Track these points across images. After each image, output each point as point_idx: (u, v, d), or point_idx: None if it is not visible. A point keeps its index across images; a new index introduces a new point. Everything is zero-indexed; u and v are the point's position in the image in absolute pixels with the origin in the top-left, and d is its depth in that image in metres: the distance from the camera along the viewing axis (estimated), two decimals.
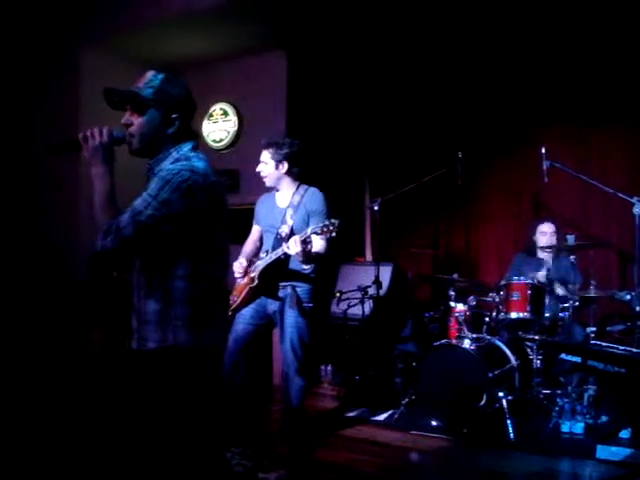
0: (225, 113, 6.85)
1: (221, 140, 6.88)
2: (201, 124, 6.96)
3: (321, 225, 3.48)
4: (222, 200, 2.38)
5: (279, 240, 3.82)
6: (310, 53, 6.32)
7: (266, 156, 3.91)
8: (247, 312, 3.88)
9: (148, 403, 2.25)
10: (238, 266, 3.90)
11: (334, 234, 3.49)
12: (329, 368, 5.98)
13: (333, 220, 3.48)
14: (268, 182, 3.98)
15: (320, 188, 3.98)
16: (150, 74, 2.29)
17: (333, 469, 3.84)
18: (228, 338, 3.88)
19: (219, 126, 6.89)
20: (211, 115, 6.93)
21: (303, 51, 6.32)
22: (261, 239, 4.08)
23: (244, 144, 6.66)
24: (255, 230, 4.14)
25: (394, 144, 6.48)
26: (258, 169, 3.95)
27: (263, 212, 4.06)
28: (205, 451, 2.32)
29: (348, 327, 5.71)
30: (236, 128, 6.79)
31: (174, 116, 2.27)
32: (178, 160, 2.25)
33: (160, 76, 2.28)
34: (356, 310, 5.55)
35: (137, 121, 2.25)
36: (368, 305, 5.44)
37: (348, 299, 5.58)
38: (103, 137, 2.21)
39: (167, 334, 2.20)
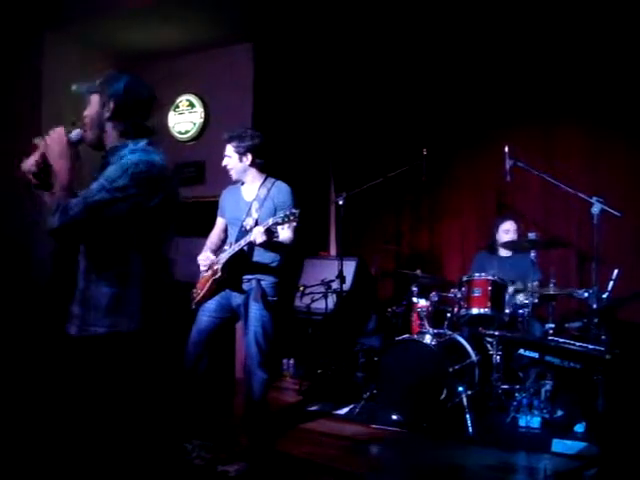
0: (191, 104, 6.79)
1: (187, 132, 6.82)
2: (167, 115, 6.90)
3: (282, 215, 3.51)
4: (175, 196, 2.45)
5: (243, 233, 3.82)
6: (277, 46, 6.31)
7: (229, 150, 3.91)
8: (211, 305, 3.87)
9: (95, 389, 2.25)
10: (204, 258, 3.88)
11: (295, 224, 3.54)
12: (291, 362, 5.98)
13: (294, 210, 3.51)
14: (234, 175, 3.97)
15: (285, 181, 3.99)
16: (108, 71, 2.44)
17: (293, 462, 3.84)
18: (191, 329, 3.87)
19: (185, 117, 6.83)
20: (177, 106, 6.87)
21: (270, 43, 6.30)
22: (226, 231, 4.06)
23: (210, 136, 6.61)
24: (220, 222, 4.12)
25: (360, 139, 6.49)
26: (223, 163, 3.95)
27: (228, 204, 4.05)
28: (155, 438, 2.33)
29: (311, 321, 5.72)
30: (202, 120, 6.74)
31: (122, 108, 2.35)
32: (135, 151, 2.30)
33: (114, 73, 2.42)
34: (319, 304, 5.56)
35: (89, 112, 2.37)
36: (331, 299, 5.46)
37: (312, 293, 5.59)
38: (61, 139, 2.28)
39: (119, 318, 2.23)
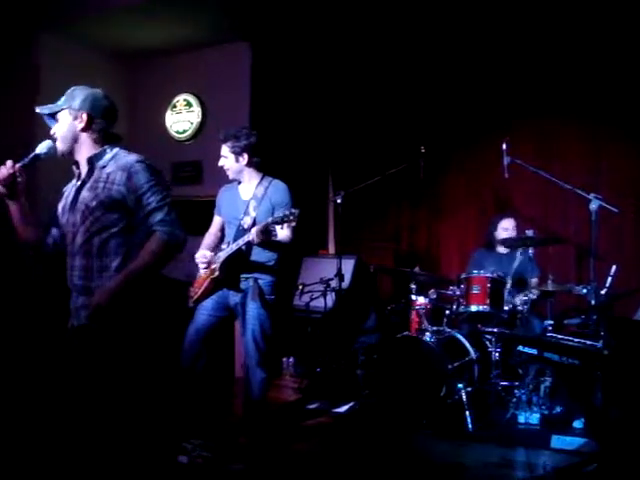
0: (189, 104, 6.79)
1: (184, 131, 6.82)
2: (164, 115, 6.90)
3: (281, 215, 3.51)
4: None
5: (241, 231, 3.82)
6: (274, 45, 6.30)
7: (225, 150, 3.91)
8: (208, 303, 3.87)
9: (106, 371, 2.45)
10: (202, 257, 3.88)
11: (294, 224, 3.54)
12: (291, 360, 5.99)
13: (293, 210, 3.51)
14: (231, 175, 3.97)
15: (283, 180, 3.99)
16: (73, 87, 2.65)
17: (294, 460, 3.85)
18: (188, 328, 3.87)
19: (182, 117, 6.83)
20: (174, 106, 6.87)
21: (267, 43, 6.30)
22: (222, 230, 4.06)
23: (207, 135, 6.61)
24: (216, 221, 4.12)
25: (358, 137, 6.49)
26: (220, 163, 3.95)
27: (225, 203, 4.05)
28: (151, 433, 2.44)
29: (310, 319, 5.72)
30: (200, 119, 6.74)
31: (97, 120, 2.60)
32: (119, 156, 2.60)
33: (82, 88, 2.65)
34: (318, 303, 5.56)
35: (61, 125, 2.60)
36: (330, 298, 5.46)
37: (310, 292, 5.59)
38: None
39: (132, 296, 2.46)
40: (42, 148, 2.58)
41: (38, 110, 2.63)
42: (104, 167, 2.57)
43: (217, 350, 4.05)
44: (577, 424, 4.18)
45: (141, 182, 2.51)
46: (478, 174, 5.95)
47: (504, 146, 4.77)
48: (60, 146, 2.60)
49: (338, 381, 5.34)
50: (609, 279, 4.31)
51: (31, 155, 2.58)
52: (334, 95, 6.52)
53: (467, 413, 4.28)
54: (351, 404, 4.91)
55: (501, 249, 5.29)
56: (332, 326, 5.53)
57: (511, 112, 5.77)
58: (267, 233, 3.58)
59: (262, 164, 3.99)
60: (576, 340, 3.73)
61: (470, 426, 4.23)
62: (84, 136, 2.60)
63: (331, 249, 6.63)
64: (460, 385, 4.38)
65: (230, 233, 3.93)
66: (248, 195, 3.94)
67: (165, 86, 6.84)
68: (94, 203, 2.51)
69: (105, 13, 5.76)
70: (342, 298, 5.33)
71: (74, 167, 2.68)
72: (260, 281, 3.80)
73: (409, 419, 4.42)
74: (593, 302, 4.22)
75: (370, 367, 5.23)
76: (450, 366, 4.38)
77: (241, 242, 3.68)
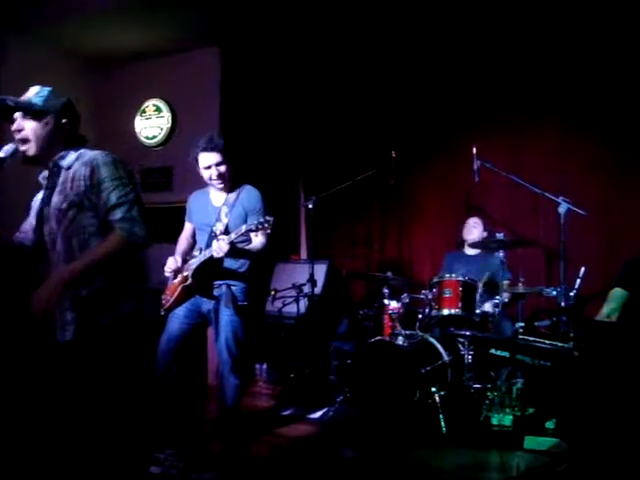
0: (158, 109, 6.73)
1: (154, 137, 6.76)
2: (134, 120, 6.83)
3: (256, 222, 3.48)
4: None
5: (213, 238, 3.78)
6: (244, 50, 6.29)
7: (218, 157, 3.79)
8: (181, 311, 3.82)
9: (107, 378, 2.41)
10: (172, 263, 3.83)
11: (269, 231, 3.51)
12: (264, 367, 5.95)
13: (268, 217, 3.49)
14: (224, 185, 3.86)
15: (254, 186, 3.96)
16: (36, 88, 2.56)
17: (268, 467, 3.83)
18: (161, 337, 3.82)
19: (152, 122, 6.76)
20: (144, 111, 6.80)
21: (237, 48, 6.28)
22: (194, 236, 4.03)
23: (177, 141, 6.57)
24: (187, 227, 4.08)
25: (328, 143, 6.50)
26: (220, 172, 3.81)
27: (196, 210, 4.01)
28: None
29: (283, 325, 5.70)
30: (169, 125, 6.68)
31: (64, 121, 2.53)
32: (84, 153, 2.52)
33: (47, 88, 2.55)
34: (291, 308, 5.55)
35: (31, 127, 2.46)
36: (303, 303, 5.45)
37: (283, 297, 5.58)
38: None
39: (122, 306, 2.44)
40: (6, 152, 2.46)
41: (6, 101, 2.49)
42: (69, 168, 2.49)
43: (190, 357, 4.01)
44: (549, 425, 4.22)
45: (102, 176, 2.42)
46: (449, 178, 6.00)
47: (474, 150, 4.81)
48: (32, 149, 2.47)
49: (312, 387, 5.33)
50: (578, 281, 4.37)
51: None
52: (304, 100, 6.53)
53: (441, 416, 4.30)
54: (325, 410, 4.90)
55: (472, 251, 5.34)
56: (305, 332, 5.52)
57: (481, 116, 5.84)
58: (232, 244, 3.55)
59: (233, 170, 3.95)
60: (547, 342, 3.77)
61: (444, 429, 4.25)
62: (56, 139, 2.51)
63: (303, 254, 6.63)
64: (433, 388, 4.40)
65: (202, 240, 3.90)
66: (220, 201, 3.91)
67: (134, 91, 6.77)
68: (65, 205, 2.43)
69: (74, 18, 5.69)
70: (315, 303, 5.32)
71: (41, 178, 2.59)
72: (233, 287, 3.77)
73: (383, 423, 4.43)
74: (563, 304, 4.28)
75: (343, 372, 5.22)
76: (423, 370, 4.40)
77: (211, 252, 3.64)
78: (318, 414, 4.89)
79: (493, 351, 3.88)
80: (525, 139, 5.69)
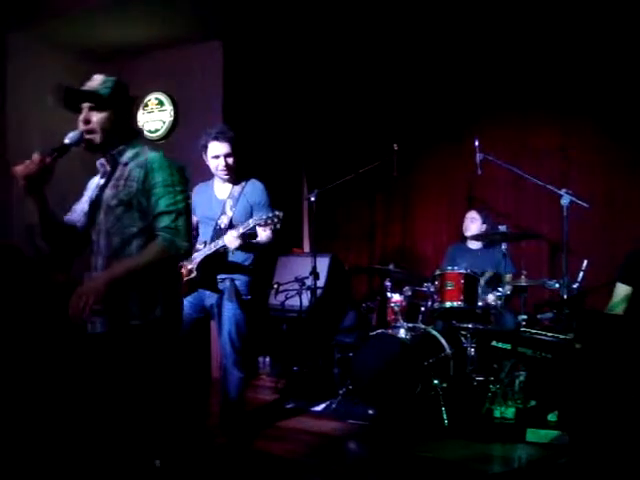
0: (161, 103, 6.72)
1: (157, 130, 6.75)
2: (136, 114, 6.82)
3: (264, 217, 3.48)
4: None
5: (218, 231, 3.79)
6: (246, 43, 6.27)
7: (228, 147, 3.81)
8: (184, 305, 3.83)
9: (130, 378, 2.42)
10: None
11: (278, 226, 3.51)
12: (267, 360, 5.98)
13: (277, 212, 3.49)
14: (230, 176, 3.87)
15: (258, 179, 3.97)
16: (101, 76, 2.54)
17: (271, 460, 3.84)
18: None
19: (154, 116, 6.76)
20: (146, 105, 6.79)
21: (239, 41, 6.27)
22: (197, 229, 4.03)
23: (180, 134, 6.56)
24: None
25: (331, 136, 6.50)
26: (229, 163, 3.83)
27: (199, 202, 4.00)
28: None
29: (286, 318, 5.72)
30: (172, 118, 6.67)
31: (126, 112, 2.57)
32: (142, 152, 2.54)
33: (112, 78, 2.55)
34: (294, 301, 5.56)
35: (97, 117, 2.47)
36: (306, 296, 5.46)
37: (286, 290, 5.59)
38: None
39: (150, 310, 2.44)
40: (71, 138, 2.45)
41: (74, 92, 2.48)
42: (126, 164, 2.50)
43: (194, 351, 4.02)
44: (551, 417, 4.23)
45: (155, 181, 2.44)
46: (451, 171, 6.00)
47: (477, 143, 4.81)
48: (97, 139, 2.48)
49: (315, 380, 5.34)
50: (581, 273, 4.37)
51: (60, 146, 2.43)
52: (307, 93, 6.53)
53: (443, 409, 4.31)
54: (328, 402, 4.92)
55: (475, 244, 5.34)
56: (308, 325, 5.53)
57: (483, 108, 5.84)
58: (242, 238, 3.56)
59: (238, 163, 3.96)
60: (549, 334, 3.77)
61: (446, 422, 4.27)
62: (118, 130, 2.53)
63: (306, 247, 6.64)
64: (436, 381, 4.41)
65: (206, 233, 3.90)
66: (224, 194, 3.91)
67: (137, 85, 6.73)
68: (114, 201, 2.45)
69: (75, 13, 5.68)
70: (317, 297, 5.33)
71: (98, 164, 2.59)
72: (236, 281, 3.79)
73: (385, 416, 4.44)
74: (565, 296, 4.28)
75: (346, 365, 5.24)
76: (425, 362, 4.41)
77: (220, 244, 3.64)
78: (321, 407, 4.90)
79: (495, 343, 3.89)
80: (528, 132, 5.68)
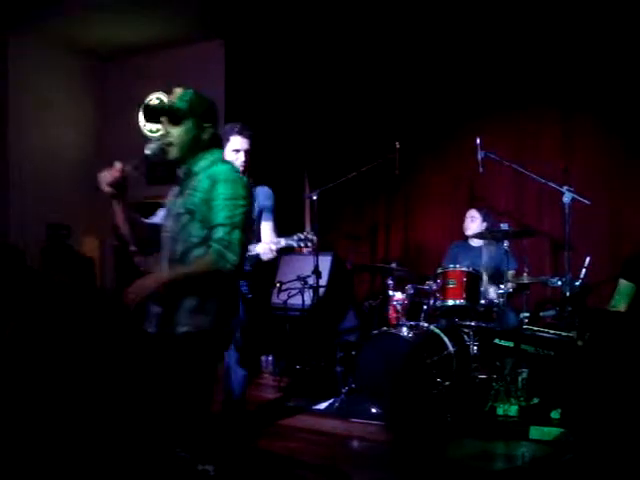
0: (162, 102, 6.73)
1: (158, 130, 6.76)
2: (137, 114, 6.83)
3: (297, 239, 3.55)
4: None
5: None
6: (248, 43, 6.28)
7: (248, 144, 3.82)
8: None
9: (173, 384, 2.51)
10: None
11: (311, 249, 3.55)
12: (270, 358, 5.98)
13: (311, 236, 3.53)
14: (245, 173, 3.86)
15: (259, 178, 3.98)
16: (180, 90, 2.63)
17: (273, 459, 3.84)
18: None
19: None
20: None
21: (241, 41, 6.28)
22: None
23: None
24: None
25: (333, 134, 6.50)
26: (242, 161, 3.81)
27: None
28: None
29: (289, 317, 5.71)
30: None
31: (206, 125, 2.60)
32: (215, 163, 2.58)
33: (190, 91, 2.62)
34: (296, 300, 5.56)
35: (175, 131, 2.55)
36: (308, 295, 5.46)
37: (288, 289, 5.58)
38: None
39: (202, 318, 2.47)
40: (152, 149, 2.55)
41: (152, 103, 2.57)
42: (197, 174, 2.57)
43: None
44: (554, 414, 4.22)
45: (218, 192, 2.47)
46: (453, 169, 5.99)
47: (478, 141, 4.80)
48: (174, 152, 2.57)
49: (317, 378, 5.34)
50: (583, 271, 4.37)
51: (141, 157, 2.53)
52: (308, 92, 6.52)
53: (446, 406, 4.31)
54: (330, 401, 4.92)
55: (476, 242, 5.33)
56: (310, 323, 5.54)
57: (484, 106, 5.82)
58: (278, 252, 3.61)
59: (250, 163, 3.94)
60: (552, 332, 3.78)
61: (449, 419, 4.26)
62: (197, 143, 2.59)
63: None
64: (438, 379, 4.41)
65: None
66: None
67: (138, 85, 6.77)
68: (182, 210, 2.51)
69: (77, 13, 5.70)
70: (320, 295, 5.33)
71: (178, 171, 2.67)
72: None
73: (388, 414, 4.44)
74: (568, 294, 4.28)
75: (349, 364, 5.24)
76: (428, 360, 4.41)
77: (251, 252, 3.68)
78: (324, 405, 4.90)
79: (498, 341, 3.89)
80: (529, 129, 5.67)
